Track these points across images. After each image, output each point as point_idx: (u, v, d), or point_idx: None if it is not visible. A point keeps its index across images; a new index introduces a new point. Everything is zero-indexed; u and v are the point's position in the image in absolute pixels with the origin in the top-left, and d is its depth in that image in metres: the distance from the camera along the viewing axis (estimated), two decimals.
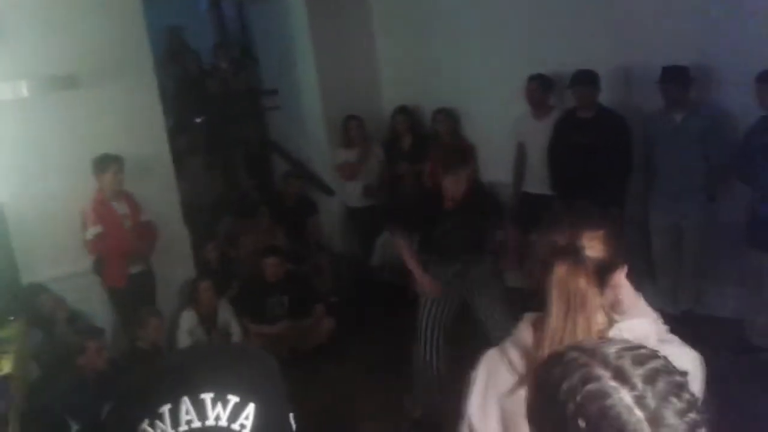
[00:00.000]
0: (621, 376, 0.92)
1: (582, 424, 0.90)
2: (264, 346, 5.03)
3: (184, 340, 4.94)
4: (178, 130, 6.32)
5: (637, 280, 5.46)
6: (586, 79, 4.70)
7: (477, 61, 5.74)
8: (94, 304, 4.82)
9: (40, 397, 3.83)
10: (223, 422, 0.91)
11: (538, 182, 5.21)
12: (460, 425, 1.53)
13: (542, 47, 5.25)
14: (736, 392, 3.57)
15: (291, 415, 1.01)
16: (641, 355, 0.95)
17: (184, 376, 0.95)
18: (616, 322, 1.42)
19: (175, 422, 0.90)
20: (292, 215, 6.25)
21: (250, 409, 0.93)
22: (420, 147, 6.06)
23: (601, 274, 1.41)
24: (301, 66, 6.43)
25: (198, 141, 6.63)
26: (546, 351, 1.36)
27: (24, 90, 4.35)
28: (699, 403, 0.91)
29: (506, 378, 1.46)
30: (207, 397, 0.91)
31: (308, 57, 6.29)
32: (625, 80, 4.94)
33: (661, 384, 0.91)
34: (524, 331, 1.47)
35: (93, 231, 4.67)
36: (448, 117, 5.92)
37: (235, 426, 0.91)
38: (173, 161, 5.46)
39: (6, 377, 3.58)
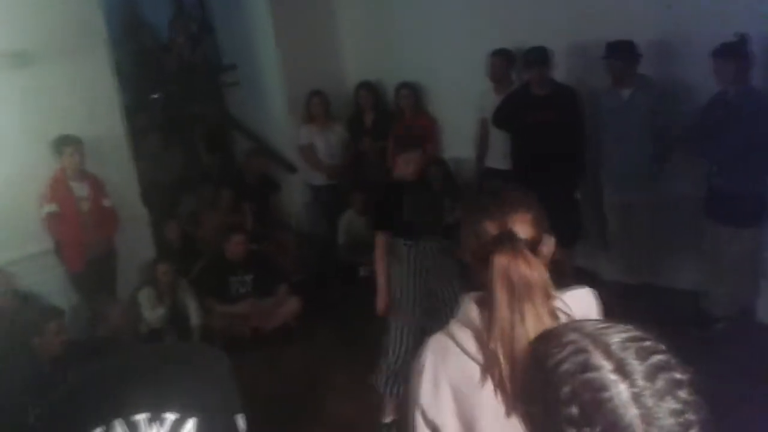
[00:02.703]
0: (622, 370, 0.90)
1: (574, 410, 0.89)
2: (227, 325, 5.01)
3: (148, 315, 4.94)
4: (134, 107, 6.16)
5: (593, 252, 5.45)
6: (541, 58, 4.68)
7: (440, 36, 5.70)
8: (53, 286, 4.71)
9: None
10: None
11: (501, 157, 5.23)
12: (414, 416, 1.48)
13: (504, 22, 5.23)
14: (693, 362, 3.63)
15: (240, 416, 0.98)
16: (645, 347, 0.93)
17: (117, 396, 0.90)
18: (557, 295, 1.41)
19: None
20: (255, 193, 6.17)
21: (191, 425, 0.90)
22: (383, 123, 6.02)
23: (534, 252, 1.40)
24: (260, 41, 6.30)
25: (155, 118, 6.48)
26: (497, 341, 1.34)
27: None
28: (696, 402, 0.90)
29: (456, 360, 1.43)
30: (141, 418, 0.88)
31: (268, 31, 6.16)
32: (583, 56, 4.95)
33: (660, 381, 0.89)
34: (471, 312, 1.43)
35: (47, 208, 4.61)
36: (412, 92, 5.89)
37: None
38: (130, 139, 5.35)
39: None
